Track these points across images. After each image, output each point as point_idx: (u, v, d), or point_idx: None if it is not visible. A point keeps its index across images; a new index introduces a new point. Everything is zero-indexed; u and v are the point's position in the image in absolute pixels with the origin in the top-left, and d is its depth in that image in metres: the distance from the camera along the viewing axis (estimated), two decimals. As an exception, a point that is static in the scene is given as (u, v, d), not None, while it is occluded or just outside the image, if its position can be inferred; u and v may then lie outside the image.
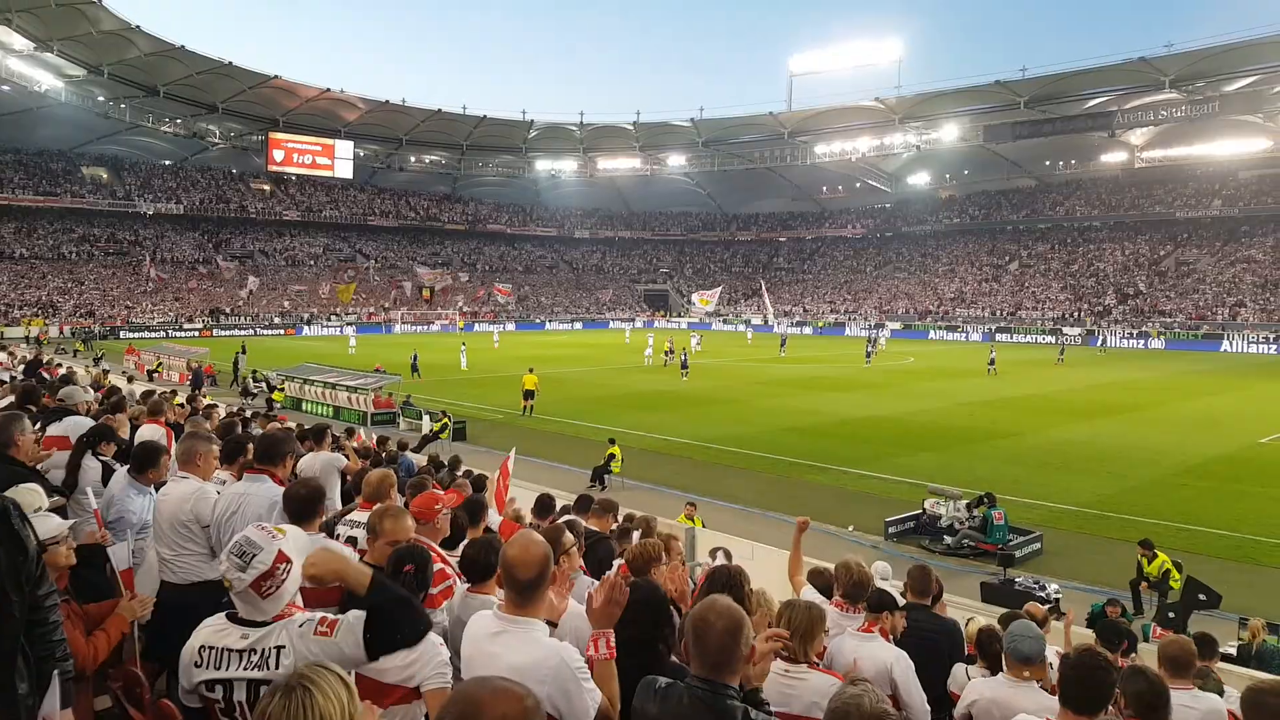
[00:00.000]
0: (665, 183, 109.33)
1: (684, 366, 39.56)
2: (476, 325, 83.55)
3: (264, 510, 4.70)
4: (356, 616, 2.95)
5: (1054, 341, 68.38)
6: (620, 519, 7.34)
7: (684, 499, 15.29)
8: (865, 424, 26.91)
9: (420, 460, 14.18)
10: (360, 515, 4.88)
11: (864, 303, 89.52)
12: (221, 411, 12.87)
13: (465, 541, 4.62)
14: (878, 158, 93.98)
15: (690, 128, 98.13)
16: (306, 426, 9.31)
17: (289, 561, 3.08)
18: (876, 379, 40.56)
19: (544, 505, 7.81)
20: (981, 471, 19.87)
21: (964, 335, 75.14)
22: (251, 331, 70.93)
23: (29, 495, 4.17)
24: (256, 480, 4.92)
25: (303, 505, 4.40)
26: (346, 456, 8.78)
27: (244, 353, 39.31)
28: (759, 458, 21.57)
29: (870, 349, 50.60)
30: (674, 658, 3.67)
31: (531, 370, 28.58)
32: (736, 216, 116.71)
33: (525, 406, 27.76)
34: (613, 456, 18.70)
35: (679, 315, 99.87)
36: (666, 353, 47.98)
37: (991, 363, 43.16)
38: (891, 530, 15.18)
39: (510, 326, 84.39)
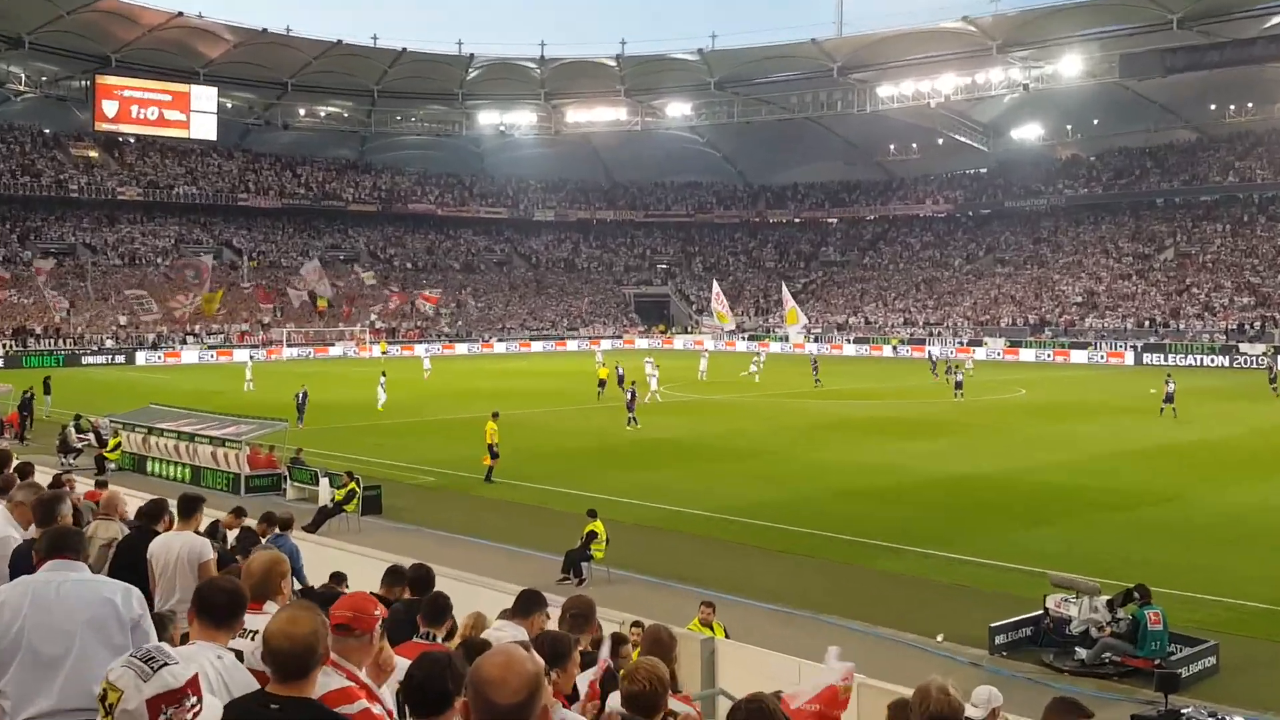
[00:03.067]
0: (663, 142, 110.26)
1: (630, 406, 38.65)
2: (397, 348, 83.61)
3: (90, 617, 4.65)
4: None
5: (1230, 363, 68.74)
6: (597, 630, 7.25)
7: (698, 596, 15.20)
8: (956, 486, 26.89)
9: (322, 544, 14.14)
10: (252, 619, 4.87)
11: (951, 310, 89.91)
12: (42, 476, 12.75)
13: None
14: (968, 102, 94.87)
15: (698, 63, 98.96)
16: (149, 501, 9.22)
17: (200, 697, 3.14)
18: (971, 419, 40.54)
19: (393, 575, 8.03)
20: (1128, 552, 19.86)
21: (1096, 354, 75.46)
22: (61, 360, 70.70)
23: None
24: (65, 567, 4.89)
25: (222, 613, 4.48)
26: (218, 534, 8.72)
27: (47, 391, 39.19)
28: (803, 535, 21.53)
29: (953, 374, 50.71)
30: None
31: (496, 416, 28.40)
32: (766, 189, 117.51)
33: (490, 468, 27.55)
34: (593, 535, 18.63)
35: (687, 329, 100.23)
36: (600, 384, 48.53)
37: (1168, 398, 40.23)
38: (1000, 640, 15.12)
39: (438, 349, 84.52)
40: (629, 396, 39.27)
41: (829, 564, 19.56)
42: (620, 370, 49.44)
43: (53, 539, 5.15)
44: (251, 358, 66.55)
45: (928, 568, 19.23)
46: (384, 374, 45.38)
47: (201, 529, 8.67)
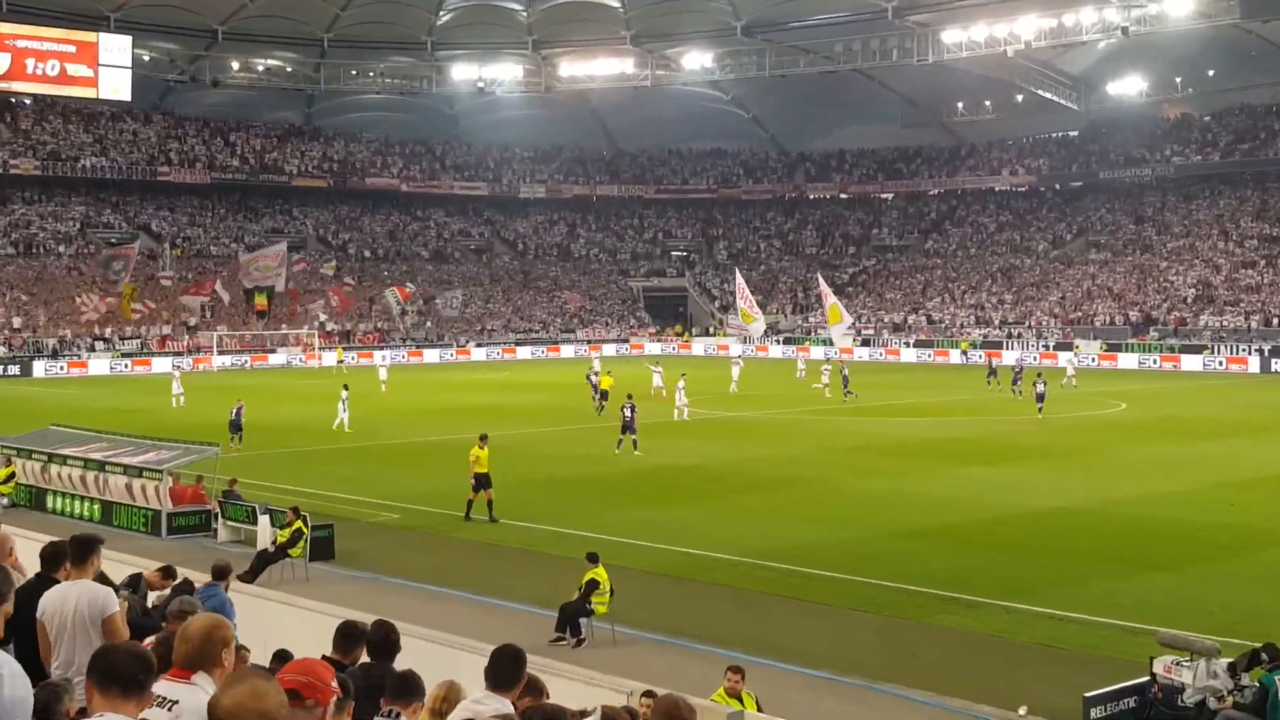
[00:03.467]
0: (678, 101, 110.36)
1: (629, 427, 37.81)
2: (353, 355, 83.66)
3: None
4: None
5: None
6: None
7: (724, 659, 15.15)
8: (1040, 523, 26.85)
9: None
10: (171, 688, 4.89)
11: (1034, 306, 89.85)
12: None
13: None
14: (1054, 50, 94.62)
15: (721, 2, 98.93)
16: (49, 544, 9.27)
17: None
18: (1057, 441, 40.44)
19: (347, 636, 8.03)
20: (1253, 604, 19.78)
21: (1213, 360, 75.29)
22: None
23: None
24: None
25: (128, 680, 4.50)
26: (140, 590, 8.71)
27: None
28: (853, 584, 21.50)
29: (1038, 390, 50.63)
30: None
31: (484, 441, 28.19)
32: (805, 158, 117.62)
33: (473, 502, 27.36)
34: (595, 585, 18.60)
35: (709, 331, 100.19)
36: (600, 396, 49.39)
37: None
38: (1097, 713, 15.05)
39: (402, 356, 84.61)
40: (627, 413, 37.97)
41: (884, 620, 19.50)
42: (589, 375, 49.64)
43: None
44: (178, 367, 66.71)
45: (1006, 624, 19.17)
46: (345, 387, 45.28)
47: (102, 578, 8.67)
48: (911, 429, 44.50)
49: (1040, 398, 48.63)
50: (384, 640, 8.10)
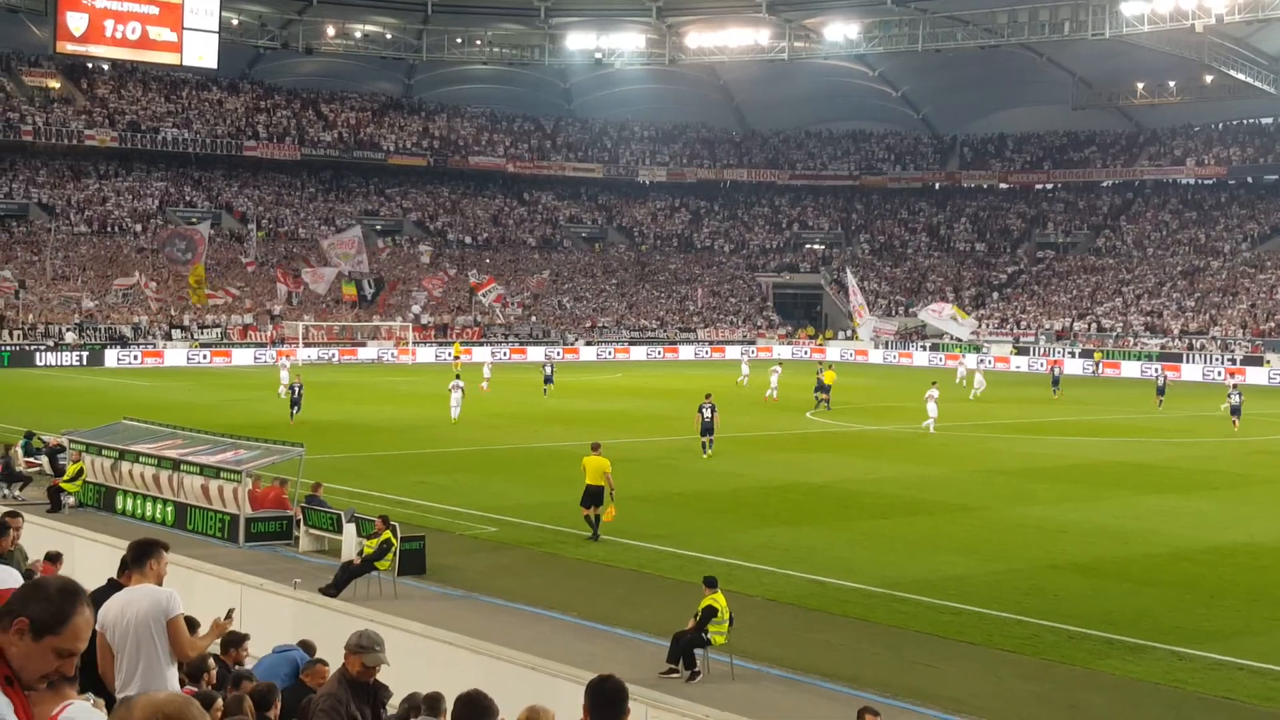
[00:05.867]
0: (818, 76, 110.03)
1: (708, 428, 40.00)
2: (449, 351, 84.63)
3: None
4: None
5: None
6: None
7: (855, 701, 15.05)
8: (1223, 560, 26.43)
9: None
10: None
11: (1220, 314, 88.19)
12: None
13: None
14: (1248, 25, 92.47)
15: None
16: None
17: None
18: (1248, 468, 39.77)
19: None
20: None
21: None
22: (5, 358, 72.94)
23: None
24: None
25: None
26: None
27: None
28: (1005, 622, 21.26)
29: (1233, 402, 49.92)
30: None
31: (597, 449, 28.15)
32: (961, 142, 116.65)
33: (591, 516, 27.27)
34: (712, 612, 18.53)
35: (846, 334, 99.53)
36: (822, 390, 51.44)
37: None
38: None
39: (503, 354, 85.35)
40: (707, 414, 39.60)
41: (1041, 663, 19.21)
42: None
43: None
44: (291, 361, 66.65)
45: (1182, 672, 18.80)
46: (457, 377, 49.31)
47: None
48: (1074, 450, 43.95)
49: (1235, 410, 48.33)
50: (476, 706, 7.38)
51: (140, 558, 8.65)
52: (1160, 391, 60.33)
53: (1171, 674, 18.76)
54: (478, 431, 45.52)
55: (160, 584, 8.52)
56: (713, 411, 39.80)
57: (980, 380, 62.36)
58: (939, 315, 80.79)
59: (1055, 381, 64.44)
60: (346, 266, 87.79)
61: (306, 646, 13.07)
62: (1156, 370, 77.46)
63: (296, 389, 47.47)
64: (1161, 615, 21.86)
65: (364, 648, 8.63)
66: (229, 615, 9.61)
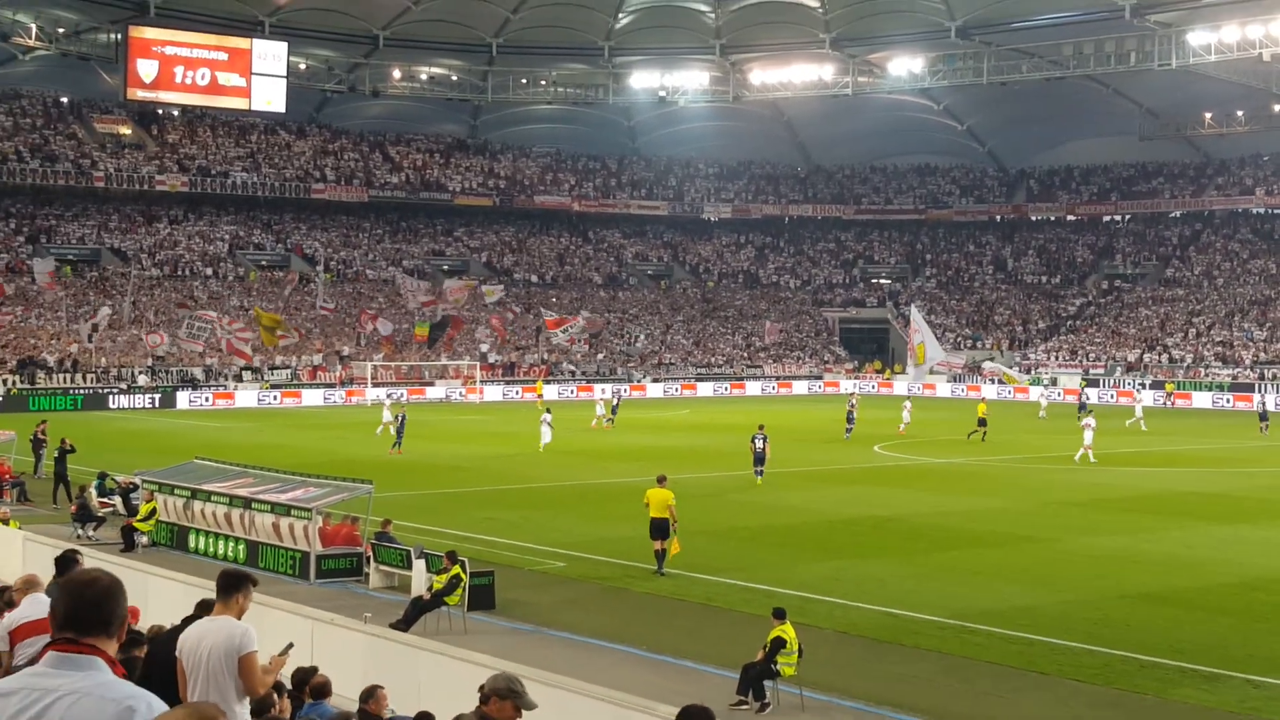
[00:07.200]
0: (883, 111, 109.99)
1: (757, 461, 42.10)
2: (517, 390, 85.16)
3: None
4: None
5: None
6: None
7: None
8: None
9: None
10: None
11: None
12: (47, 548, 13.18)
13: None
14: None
15: (933, 1, 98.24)
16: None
17: None
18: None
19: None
20: None
21: None
22: (79, 401, 73.70)
23: None
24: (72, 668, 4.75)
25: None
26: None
27: (71, 450, 38.32)
28: (1078, 652, 21.12)
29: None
30: None
31: (663, 481, 28.24)
32: (1028, 175, 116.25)
33: (661, 551, 27.29)
34: (781, 644, 18.54)
35: (916, 366, 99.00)
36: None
37: None
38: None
39: (570, 391, 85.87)
40: (759, 444, 41.80)
41: (1114, 692, 19.07)
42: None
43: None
44: (390, 396, 72.45)
45: (1257, 700, 18.64)
46: (547, 409, 53.00)
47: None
48: (1143, 480, 43.78)
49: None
50: None
51: (228, 589, 8.82)
52: (1263, 418, 62.55)
53: (1246, 703, 18.60)
54: (545, 468, 46.01)
55: (240, 618, 8.68)
56: (764, 442, 41.76)
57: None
58: (992, 377, 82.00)
59: (1082, 407, 65.73)
60: (419, 308, 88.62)
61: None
62: (1228, 400, 77.22)
63: (400, 419, 51.92)
64: (1234, 644, 21.67)
65: (516, 692, 8.26)
66: (285, 650, 9.67)
